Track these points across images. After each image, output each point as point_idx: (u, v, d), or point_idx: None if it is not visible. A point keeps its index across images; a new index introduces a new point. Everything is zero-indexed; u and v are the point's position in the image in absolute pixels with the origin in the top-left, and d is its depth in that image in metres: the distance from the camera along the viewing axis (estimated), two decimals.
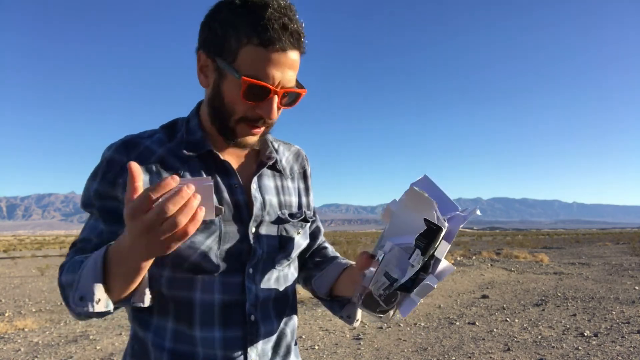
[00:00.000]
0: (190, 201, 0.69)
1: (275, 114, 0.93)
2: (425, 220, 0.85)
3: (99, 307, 0.79)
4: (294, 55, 0.91)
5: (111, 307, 0.82)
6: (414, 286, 0.89)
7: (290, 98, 0.96)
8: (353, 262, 1.14)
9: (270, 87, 0.89)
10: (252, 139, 1.00)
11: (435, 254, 0.86)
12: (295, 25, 0.89)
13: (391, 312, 0.95)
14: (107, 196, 0.95)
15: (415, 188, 0.90)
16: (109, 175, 0.95)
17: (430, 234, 0.84)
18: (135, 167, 0.70)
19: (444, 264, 0.89)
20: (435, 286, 0.87)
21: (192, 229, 0.70)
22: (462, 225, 0.90)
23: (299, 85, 0.98)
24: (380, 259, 0.93)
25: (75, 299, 0.80)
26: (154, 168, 0.97)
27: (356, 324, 1.15)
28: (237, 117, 0.94)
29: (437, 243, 0.85)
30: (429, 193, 0.90)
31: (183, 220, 0.68)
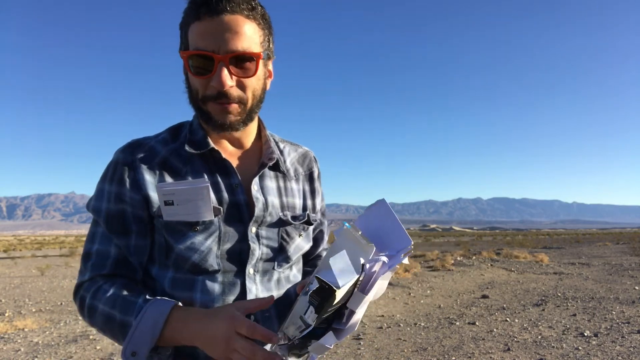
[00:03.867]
0: None
1: (227, 80, 0.91)
2: (317, 278, 0.76)
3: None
4: (233, 20, 0.90)
5: None
6: (324, 334, 0.79)
7: (241, 62, 0.93)
8: None
9: (208, 53, 0.90)
10: (232, 118, 0.96)
11: (348, 305, 0.78)
12: None
13: (305, 358, 0.87)
14: (116, 198, 0.97)
15: (349, 228, 0.81)
16: (117, 175, 0.98)
17: (323, 292, 0.75)
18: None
19: (355, 318, 0.81)
20: (331, 346, 0.77)
21: None
22: (384, 274, 0.80)
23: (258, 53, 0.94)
24: (300, 296, 0.82)
25: (127, 353, 0.85)
26: (157, 169, 0.99)
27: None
28: (200, 97, 0.96)
29: (334, 303, 0.76)
30: (381, 221, 0.84)
31: None
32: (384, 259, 0.81)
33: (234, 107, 0.95)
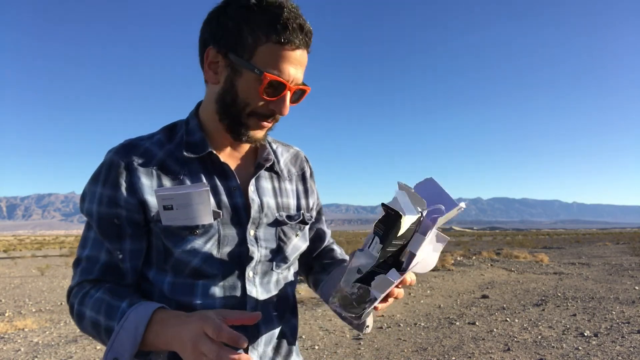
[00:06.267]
0: None
1: (287, 109, 0.96)
2: (383, 205, 0.79)
3: None
4: (304, 55, 0.95)
5: None
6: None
7: (297, 95, 0.99)
8: None
9: (287, 83, 0.92)
10: (260, 134, 1.01)
11: (409, 248, 0.81)
12: (308, 26, 0.93)
13: (363, 316, 0.86)
14: (109, 201, 0.94)
15: (403, 183, 0.85)
16: (111, 177, 0.95)
17: (389, 220, 0.77)
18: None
19: (420, 257, 0.82)
20: (395, 281, 0.79)
21: None
22: (443, 220, 0.83)
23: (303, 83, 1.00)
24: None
25: (109, 358, 0.85)
26: (154, 172, 0.96)
27: (367, 330, 1.10)
28: (248, 112, 0.95)
29: (399, 231, 0.78)
30: (429, 192, 0.87)
31: None
32: (441, 206, 0.83)
33: (270, 124, 1.00)
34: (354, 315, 0.86)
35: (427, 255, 0.84)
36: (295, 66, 0.93)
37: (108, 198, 0.94)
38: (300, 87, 0.97)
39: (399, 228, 0.77)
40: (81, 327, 0.95)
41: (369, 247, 0.80)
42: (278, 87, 0.92)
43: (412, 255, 0.82)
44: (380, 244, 0.78)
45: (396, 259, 0.84)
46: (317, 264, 1.25)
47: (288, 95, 0.94)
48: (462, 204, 0.84)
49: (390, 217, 0.77)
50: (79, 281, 0.96)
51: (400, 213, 0.76)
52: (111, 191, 0.94)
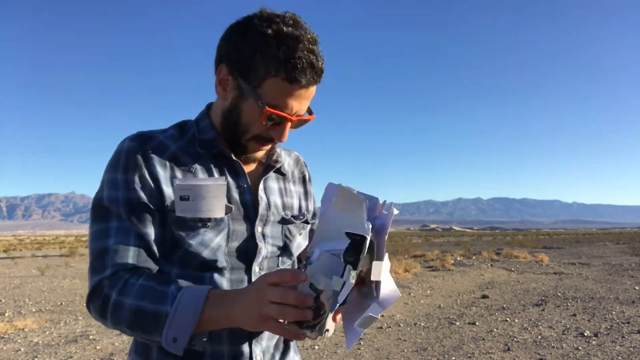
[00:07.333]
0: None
1: (286, 137, 0.99)
2: (347, 233, 0.78)
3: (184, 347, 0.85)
4: (313, 89, 0.96)
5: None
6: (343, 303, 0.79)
7: (299, 123, 1.01)
8: None
9: (289, 117, 0.94)
10: (260, 154, 1.06)
11: (372, 278, 0.80)
12: (320, 64, 0.93)
13: (317, 328, 0.84)
14: (136, 185, 0.94)
15: (343, 185, 0.83)
16: (132, 163, 0.95)
17: (356, 245, 0.78)
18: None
19: (387, 287, 0.82)
20: (379, 317, 0.81)
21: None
22: (386, 234, 0.81)
23: (309, 110, 1.02)
24: (304, 269, 0.84)
25: (169, 339, 0.83)
26: (168, 164, 0.98)
27: (328, 334, 1.11)
28: (249, 136, 0.99)
29: (365, 252, 0.78)
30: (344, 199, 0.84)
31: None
32: (377, 209, 0.82)
33: (270, 146, 1.05)
34: (307, 330, 0.84)
35: (387, 278, 0.83)
36: (300, 101, 0.95)
37: (134, 183, 0.94)
38: (303, 118, 0.99)
39: (365, 248, 0.77)
40: (115, 319, 0.87)
41: (341, 276, 0.78)
42: (279, 119, 0.95)
43: (379, 283, 0.81)
44: (354, 270, 0.77)
45: (359, 288, 0.84)
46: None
47: (289, 125, 0.97)
48: (393, 208, 0.81)
49: (357, 242, 0.77)
50: (114, 271, 0.90)
51: (365, 235, 0.76)
52: (135, 177, 0.94)
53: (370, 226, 0.78)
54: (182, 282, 0.91)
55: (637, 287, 9.80)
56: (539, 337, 5.95)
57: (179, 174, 0.98)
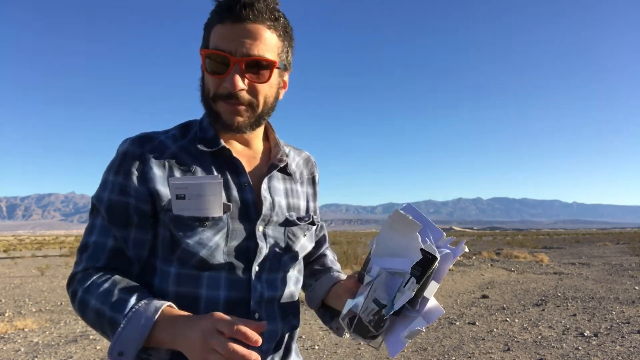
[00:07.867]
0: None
1: (239, 83, 0.94)
2: (422, 250, 0.86)
3: None
4: (254, 27, 0.94)
5: None
6: (399, 313, 0.91)
7: (254, 67, 0.96)
8: (344, 276, 1.17)
9: (227, 55, 0.93)
10: (239, 120, 0.99)
11: (424, 294, 0.87)
12: (260, 4, 0.93)
13: (379, 338, 0.94)
14: (120, 189, 0.97)
15: (400, 211, 0.92)
16: (124, 166, 0.97)
17: (426, 263, 0.86)
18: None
19: (432, 303, 0.89)
20: (424, 330, 0.87)
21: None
22: (451, 265, 0.90)
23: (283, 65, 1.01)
24: (369, 283, 0.92)
25: (114, 353, 0.83)
26: (167, 164, 0.99)
27: (346, 336, 1.16)
28: (212, 96, 0.98)
29: (431, 271, 0.86)
30: (413, 217, 0.92)
31: None
32: (447, 251, 0.90)
33: (243, 109, 0.98)
34: (369, 340, 0.94)
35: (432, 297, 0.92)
36: (237, 39, 0.92)
37: (119, 186, 0.97)
38: (254, 57, 0.93)
39: (432, 269, 0.86)
40: (82, 315, 0.93)
41: (404, 286, 0.87)
42: (220, 61, 0.94)
43: (426, 300, 0.88)
44: (417, 283, 0.86)
45: (411, 301, 0.91)
46: (308, 268, 1.27)
47: (237, 69, 0.93)
48: (464, 246, 0.90)
49: (428, 260, 0.85)
50: (85, 267, 0.95)
51: (436, 256, 0.85)
52: (123, 180, 0.97)
53: (437, 250, 0.87)
54: (143, 294, 0.90)
55: (637, 287, 9.80)
56: (539, 337, 5.95)
57: (177, 173, 0.98)
